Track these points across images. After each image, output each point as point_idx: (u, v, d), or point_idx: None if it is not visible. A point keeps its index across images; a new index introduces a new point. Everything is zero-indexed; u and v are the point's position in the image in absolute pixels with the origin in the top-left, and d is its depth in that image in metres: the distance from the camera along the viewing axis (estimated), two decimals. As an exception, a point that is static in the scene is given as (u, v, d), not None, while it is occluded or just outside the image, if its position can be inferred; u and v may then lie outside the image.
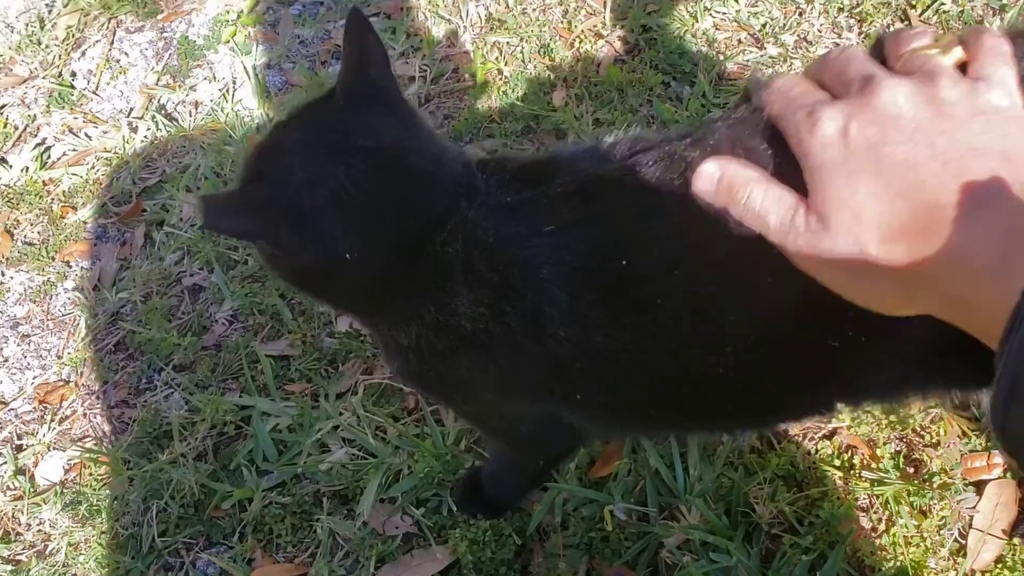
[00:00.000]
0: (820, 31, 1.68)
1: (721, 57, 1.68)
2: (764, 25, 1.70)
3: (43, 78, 2.11)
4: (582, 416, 0.96)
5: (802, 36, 1.68)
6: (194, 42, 2.08)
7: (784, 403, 0.88)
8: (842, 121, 0.58)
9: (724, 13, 1.74)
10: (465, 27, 1.90)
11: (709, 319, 0.77)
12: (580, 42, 1.80)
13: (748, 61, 1.67)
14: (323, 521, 1.31)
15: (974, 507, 1.15)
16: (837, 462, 1.21)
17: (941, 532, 1.14)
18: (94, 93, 2.07)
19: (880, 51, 0.64)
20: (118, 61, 2.12)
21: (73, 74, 2.12)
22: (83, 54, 2.16)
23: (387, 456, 1.34)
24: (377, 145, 0.83)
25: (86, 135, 1.97)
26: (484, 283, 0.82)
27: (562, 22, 1.85)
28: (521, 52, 1.82)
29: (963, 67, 0.59)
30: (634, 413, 0.94)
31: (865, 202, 0.56)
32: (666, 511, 1.23)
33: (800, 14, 1.71)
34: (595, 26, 1.81)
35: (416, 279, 0.84)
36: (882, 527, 1.16)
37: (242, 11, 2.10)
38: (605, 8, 1.82)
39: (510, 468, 1.24)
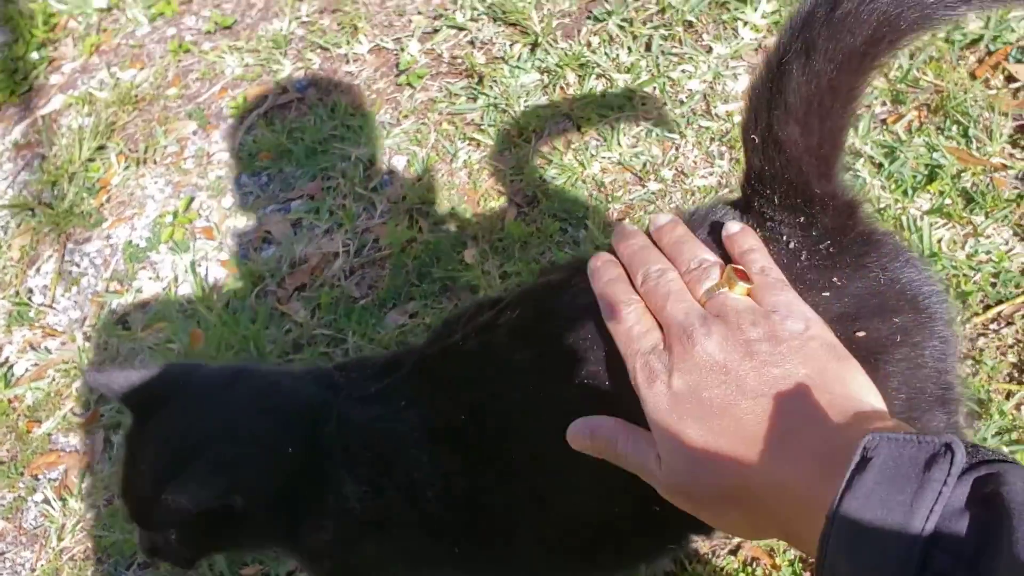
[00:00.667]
0: (695, 162, 1.83)
1: (608, 200, 1.83)
2: (644, 164, 1.85)
3: (2, 299, 2.26)
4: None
5: (679, 170, 1.83)
6: (137, 246, 2.23)
7: (638, 548, 0.99)
8: (666, 374, 0.68)
9: (608, 157, 1.89)
10: (381, 199, 2.05)
11: (548, 468, 0.89)
12: (484, 200, 1.95)
13: (632, 199, 1.81)
14: None
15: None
16: (743, 574, 1.30)
17: (841, 632, 1.22)
18: (50, 307, 2.21)
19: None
20: (70, 272, 2.27)
21: (30, 291, 2.27)
22: (37, 270, 2.31)
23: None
24: (229, 374, 0.99)
25: (46, 348, 2.11)
26: (361, 464, 0.95)
27: (467, 183, 2.00)
28: (433, 217, 1.96)
29: None
30: (508, 569, 1.04)
31: (693, 446, 0.64)
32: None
33: (676, 148, 1.86)
34: (497, 184, 1.96)
35: (316, 471, 0.97)
36: (788, 634, 1.24)
37: (178, 210, 2.26)
38: (504, 166, 1.97)
39: None
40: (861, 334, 0.79)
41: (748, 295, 0.73)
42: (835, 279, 0.81)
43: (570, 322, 0.83)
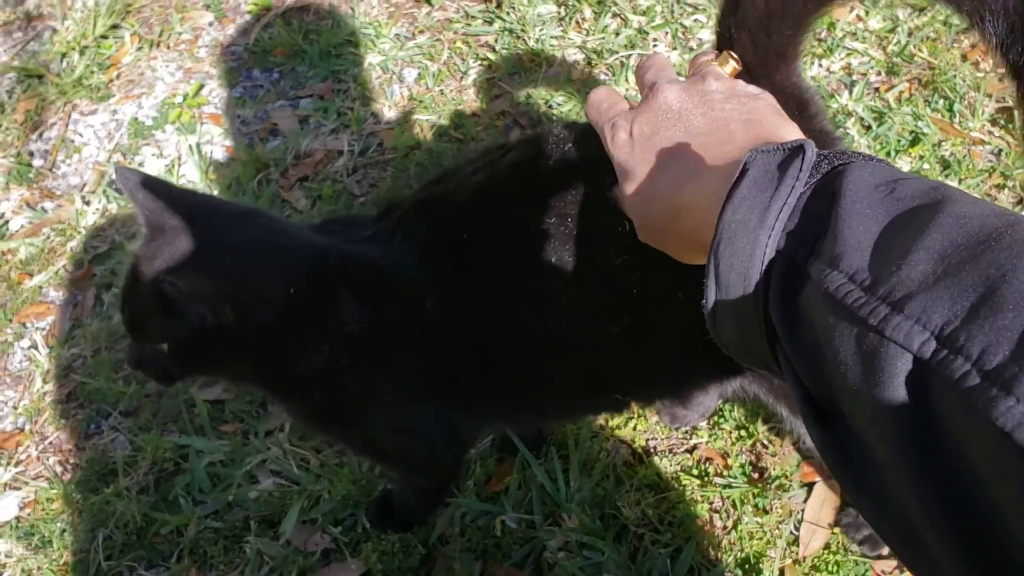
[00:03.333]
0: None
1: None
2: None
3: (3, 158, 2.30)
4: (460, 406, 1.15)
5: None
6: (143, 123, 2.28)
7: (586, 396, 1.09)
8: (628, 125, 0.74)
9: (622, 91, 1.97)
10: (389, 106, 2.12)
11: (529, 290, 0.98)
12: (490, 118, 2.02)
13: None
14: (251, 542, 1.47)
15: (804, 503, 1.34)
16: (695, 471, 1.40)
17: (779, 526, 1.33)
18: (50, 171, 2.25)
19: None
20: (73, 141, 2.31)
21: (31, 154, 2.31)
22: (40, 135, 2.35)
23: (309, 483, 1.51)
24: (244, 211, 1.08)
25: (42, 208, 2.16)
26: (360, 285, 1.04)
27: (475, 101, 2.08)
28: (439, 127, 2.04)
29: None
30: (493, 389, 1.12)
31: (641, 180, 0.72)
32: (550, 518, 1.40)
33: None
34: (503, 105, 2.04)
35: (318, 296, 1.05)
36: (731, 524, 1.35)
37: (188, 94, 2.30)
38: (513, 88, 2.05)
39: (414, 491, 1.42)
40: None
41: (734, 76, 0.80)
42: None
43: (565, 160, 0.93)
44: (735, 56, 0.83)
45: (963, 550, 0.40)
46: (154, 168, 2.18)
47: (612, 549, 1.33)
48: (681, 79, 0.77)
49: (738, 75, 0.81)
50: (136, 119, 2.30)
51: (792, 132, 0.72)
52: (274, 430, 1.61)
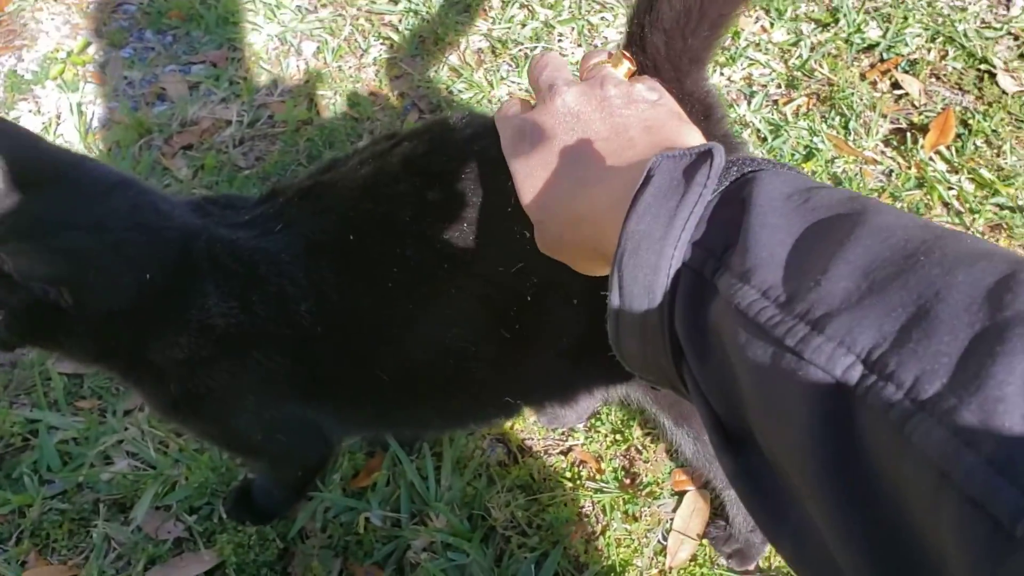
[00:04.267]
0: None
1: (509, 120, 1.87)
2: (550, 94, 1.90)
3: None
4: (329, 411, 1.09)
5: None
6: (22, 76, 2.15)
7: (475, 404, 1.05)
8: (526, 125, 0.71)
9: (518, 83, 1.94)
10: (285, 78, 2.04)
11: (413, 301, 0.93)
12: (388, 99, 1.96)
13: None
14: (99, 526, 1.38)
15: (673, 511, 1.33)
16: (569, 474, 1.38)
17: (647, 535, 1.31)
18: (-86, 119, 2.10)
19: None
20: (-58, 90, 2.16)
21: None
22: (-93, 81, 2.19)
23: (166, 468, 1.43)
24: (114, 182, 0.98)
25: (-98, 159, 2.00)
26: (230, 277, 0.96)
27: (374, 80, 2.01)
28: (334, 104, 1.96)
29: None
30: (368, 398, 1.07)
31: (539, 185, 0.69)
32: (417, 517, 1.36)
33: (583, 87, 1.92)
34: (402, 87, 1.98)
35: (180, 285, 0.97)
36: (599, 530, 1.32)
37: (72, 51, 2.18)
38: (414, 71, 1.99)
39: (275, 483, 1.35)
40: None
41: (629, 77, 0.78)
42: None
43: (458, 159, 0.88)
44: (628, 55, 0.80)
45: None
46: (30, 125, 2.05)
47: (478, 551, 1.29)
48: (578, 82, 0.74)
49: (633, 74, 0.78)
50: (14, 72, 2.16)
51: (695, 138, 0.70)
52: (133, 409, 1.52)
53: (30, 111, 2.10)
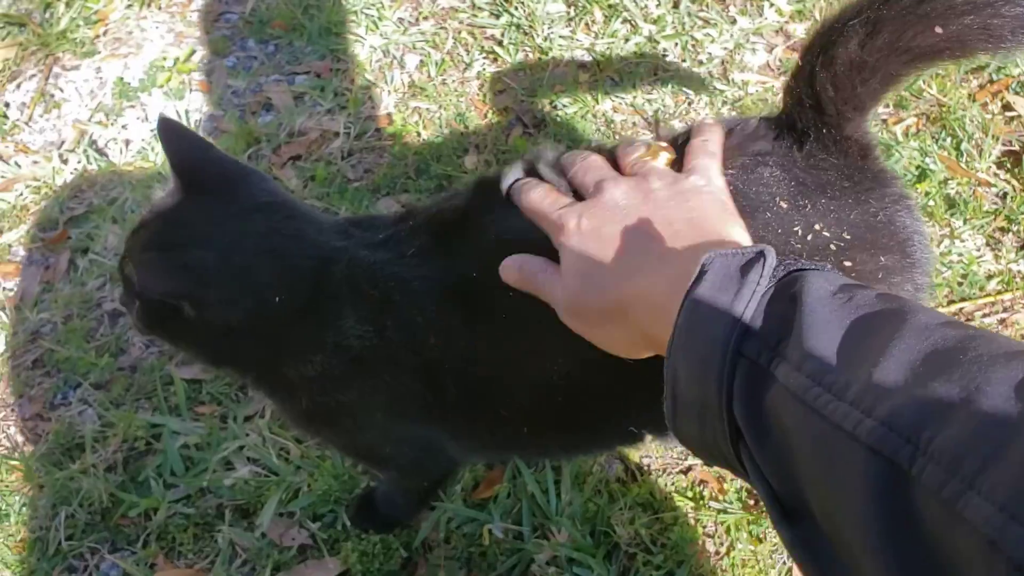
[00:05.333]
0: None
1: (616, 136, 1.88)
2: (656, 111, 1.91)
3: (-24, 106, 2.20)
4: (453, 436, 1.11)
5: (689, 123, 1.89)
6: (129, 84, 2.19)
7: (599, 431, 1.06)
8: (576, 219, 0.77)
9: (622, 97, 1.94)
10: (389, 91, 2.07)
11: (535, 342, 0.94)
12: (492, 113, 1.98)
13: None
14: (224, 531, 1.41)
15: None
16: (690, 493, 1.38)
17: (772, 556, 1.31)
18: (27, 124, 2.16)
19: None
20: (52, 96, 2.22)
21: (7, 104, 2.21)
22: (18, 86, 2.25)
23: (288, 475, 1.46)
24: (263, 203, 1.00)
25: (16, 163, 2.06)
26: (368, 302, 0.98)
27: (478, 94, 2.03)
28: (439, 118, 1.99)
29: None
30: (492, 429, 1.08)
31: (585, 268, 0.74)
32: (539, 531, 1.37)
33: (689, 103, 1.93)
34: (506, 101, 2.00)
35: (317, 307, 0.99)
36: (724, 550, 1.32)
37: (178, 59, 2.22)
38: (517, 85, 2.00)
39: (400, 491, 1.38)
40: (848, 264, 0.86)
41: (670, 165, 0.83)
42: (838, 207, 0.88)
43: None
44: (665, 145, 0.85)
45: None
46: (138, 133, 2.10)
47: (602, 567, 1.30)
48: (625, 179, 0.80)
49: (672, 162, 0.84)
50: (122, 79, 2.21)
51: (738, 230, 0.75)
52: (254, 416, 1.55)
53: (138, 118, 2.14)
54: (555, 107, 1.96)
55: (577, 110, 1.94)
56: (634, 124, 1.91)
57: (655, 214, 0.74)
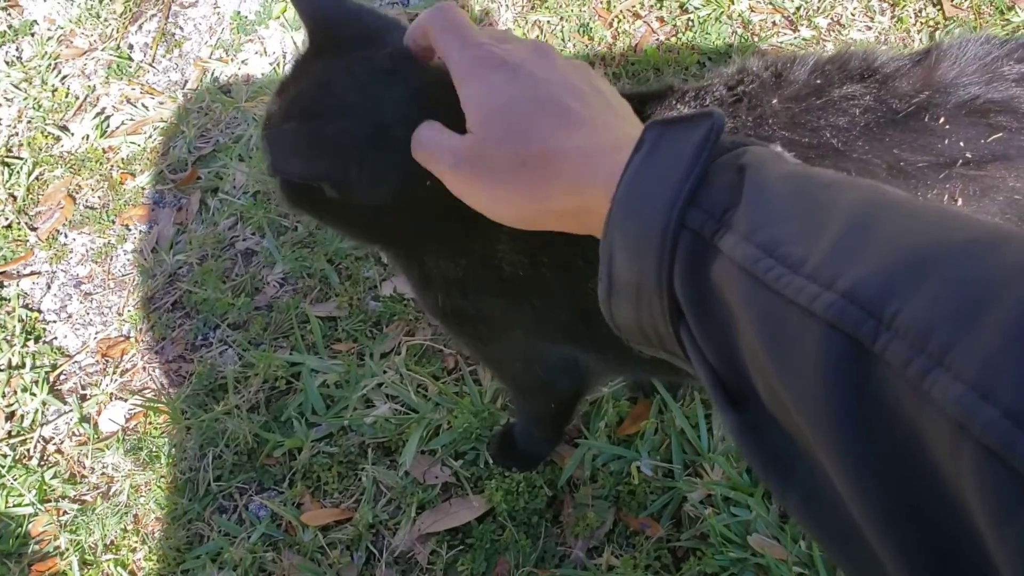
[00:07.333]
0: (853, 14, 1.73)
1: (755, 39, 1.74)
2: (799, 8, 1.75)
3: (102, 50, 2.21)
4: (598, 355, 1.04)
5: (835, 19, 1.73)
6: (246, 17, 2.16)
7: None
8: (510, 59, 0.63)
9: (759, -4, 1.79)
10: (507, 5, 1.97)
11: None
12: (619, 22, 1.86)
13: (781, 43, 1.72)
14: (368, 470, 1.40)
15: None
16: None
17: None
18: (151, 65, 2.16)
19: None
20: (173, 35, 2.21)
21: (131, 46, 2.21)
22: (140, 27, 2.25)
23: (428, 412, 1.43)
24: (410, 67, 0.78)
25: (143, 105, 2.07)
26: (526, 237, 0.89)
27: (601, 3, 1.91)
28: (561, 31, 1.88)
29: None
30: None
31: (520, 107, 0.62)
32: (690, 468, 1.30)
33: (833, -3, 1.76)
34: (633, 6, 1.87)
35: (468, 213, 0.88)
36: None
37: (293, -12, 2.17)
38: (644, -11, 1.87)
39: (533, 422, 1.32)
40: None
41: None
42: None
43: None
44: None
45: (907, 543, 0.37)
46: (257, 68, 2.07)
47: (761, 506, 1.22)
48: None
49: None
50: (239, 13, 2.18)
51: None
52: (390, 352, 1.52)
53: (256, 52, 2.11)
54: (686, 10, 1.82)
55: (711, 12, 1.80)
56: (773, 24, 1.76)
57: (578, 73, 0.64)
